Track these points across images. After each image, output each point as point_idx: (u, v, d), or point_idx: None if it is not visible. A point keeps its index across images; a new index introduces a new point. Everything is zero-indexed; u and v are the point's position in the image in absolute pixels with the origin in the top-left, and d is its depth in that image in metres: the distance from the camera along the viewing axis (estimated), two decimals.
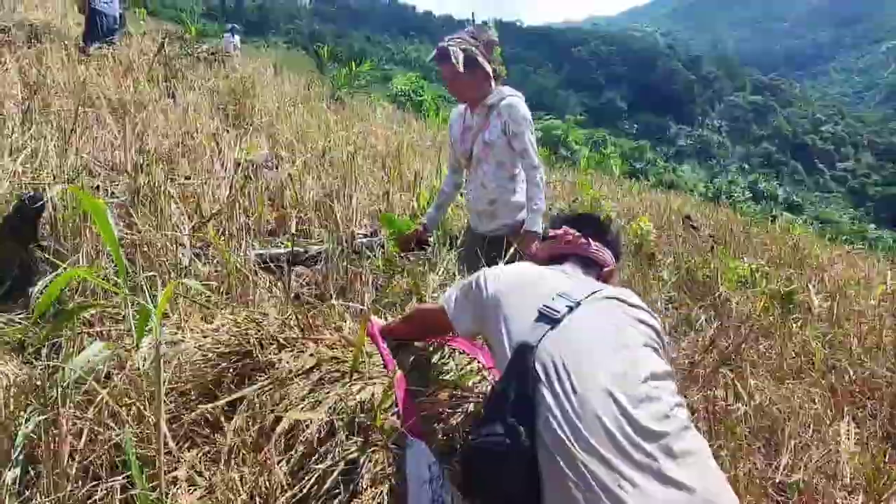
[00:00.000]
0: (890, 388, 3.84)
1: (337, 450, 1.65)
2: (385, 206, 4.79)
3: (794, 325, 4.33)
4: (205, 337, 2.10)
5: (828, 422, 3.27)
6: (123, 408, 1.80)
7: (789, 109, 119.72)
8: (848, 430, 3.21)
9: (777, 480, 2.84)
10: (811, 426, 3.17)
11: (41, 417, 1.65)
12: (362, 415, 1.73)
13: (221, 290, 2.64)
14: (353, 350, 1.89)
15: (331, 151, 5.42)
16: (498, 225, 3.42)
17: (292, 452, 1.68)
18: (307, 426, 1.71)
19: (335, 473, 1.60)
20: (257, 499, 1.60)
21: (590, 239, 1.96)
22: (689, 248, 6.26)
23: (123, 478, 1.57)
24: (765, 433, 3.07)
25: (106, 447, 1.72)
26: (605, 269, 1.95)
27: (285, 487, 1.60)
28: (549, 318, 1.53)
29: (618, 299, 1.68)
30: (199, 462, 1.76)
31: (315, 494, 1.59)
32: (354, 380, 1.86)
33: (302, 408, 1.77)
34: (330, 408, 1.75)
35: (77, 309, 1.77)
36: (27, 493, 1.67)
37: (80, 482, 1.66)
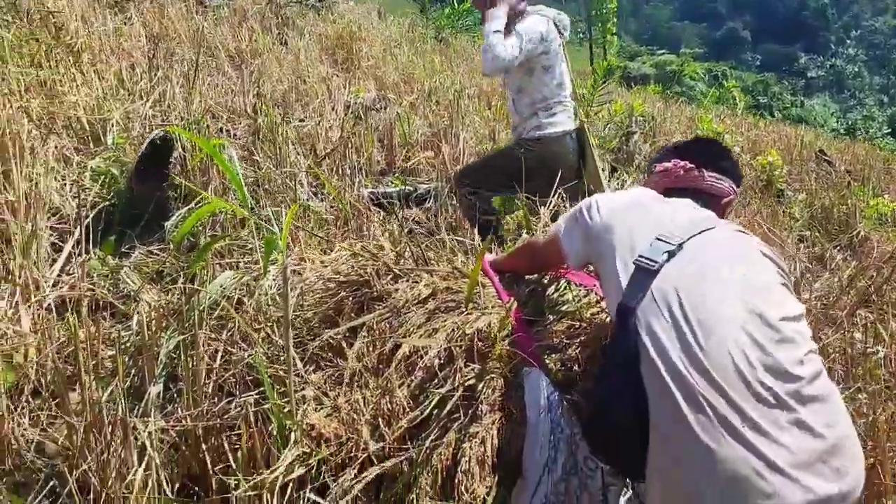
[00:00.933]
0: None
1: (456, 376, 1.66)
2: (492, 144, 4.73)
3: None
4: (324, 267, 2.16)
5: None
6: (254, 331, 1.91)
7: None
8: None
9: None
10: None
11: (180, 338, 1.76)
12: (479, 343, 1.72)
13: (337, 225, 2.72)
14: (468, 281, 1.88)
15: (437, 92, 5.38)
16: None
17: (412, 377, 1.72)
18: (425, 352, 1.74)
19: (455, 398, 1.62)
20: (380, 420, 1.65)
21: (703, 169, 1.77)
22: (823, 184, 5.77)
23: (256, 394, 1.67)
24: None
25: (239, 367, 1.83)
26: (725, 200, 1.79)
27: (406, 410, 1.64)
28: (666, 245, 1.44)
29: (743, 232, 1.56)
30: (325, 384, 1.83)
31: (436, 417, 1.62)
32: (470, 310, 1.86)
33: (420, 335, 1.80)
34: (447, 336, 1.77)
35: (212, 242, 1.87)
36: (169, 407, 1.82)
37: (216, 398, 1.79)
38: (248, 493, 1.40)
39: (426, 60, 6.79)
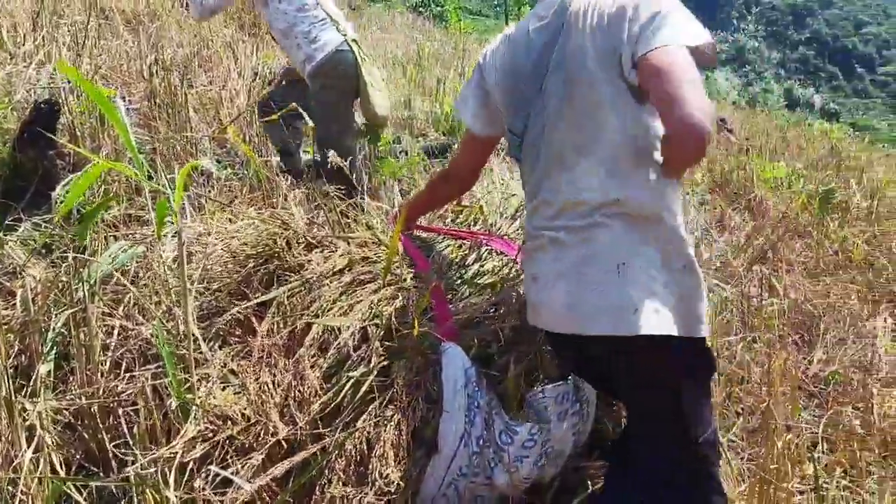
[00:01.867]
0: None
1: (372, 357, 1.62)
2: (407, 112, 4.67)
3: (833, 224, 4.20)
4: (231, 238, 2.05)
5: (865, 317, 3.20)
6: (154, 304, 1.81)
7: (829, 11, 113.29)
8: (885, 326, 3.15)
9: (811, 373, 2.81)
10: (847, 322, 3.11)
11: (69, 312, 1.65)
12: (396, 321, 1.68)
13: (243, 193, 2.61)
14: (387, 253, 1.82)
15: None
16: None
17: (325, 357, 1.66)
18: (339, 332, 1.68)
19: (369, 381, 1.58)
20: (291, 402, 1.59)
21: None
22: (724, 151, 6.05)
23: (155, 367, 1.58)
24: (800, 329, 3.02)
25: (136, 342, 1.73)
26: None
27: (319, 393, 1.59)
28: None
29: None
30: (232, 361, 1.75)
31: (350, 400, 1.57)
32: (388, 283, 1.81)
33: (334, 312, 1.73)
34: (363, 315, 1.71)
35: (101, 204, 1.73)
36: (62, 386, 1.70)
37: (112, 376, 1.69)
38: (146, 470, 1.32)
39: None
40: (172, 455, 1.35)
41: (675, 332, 1.27)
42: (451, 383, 1.50)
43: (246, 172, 2.57)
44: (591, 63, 1.33)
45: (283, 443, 1.51)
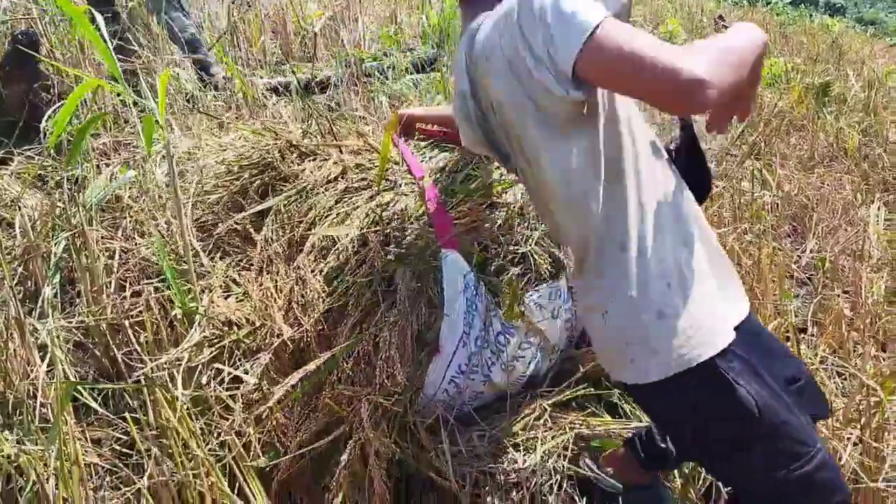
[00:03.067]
0: None
1: (374, 261, 1.62)
2: (395, 27, 4.56)
3: (829, 117, 4.16)
4: (223, 150, 2.05)
5: (857, 206, 3.23)
6: (150, 222, 1.85)
7: None
8: (878, 214, 3.17)
9: (804, 262, 2.86)
10: (840, 211, 3.13)
11: (65, 235, 1.69)
12: (394, 227, 1.68)
13: (235, 116, 2.60)
14: (379, 158, 1.78)
15: None
16: None
17: (325, 262, 1.67)
18: (339, 239, 1.69)
19: (373, 285, 1.59)
20: (295, 305, 1.63)
21: None
22: None
23: (158, 281, 1.63)
24: (793, 220, 3.05)
25: (137, 260, 1.78)
26: None
27: (321, 295, 1.61)
28: None
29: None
30: (232, 270, 1.80)
31: (356, 303, 1.59)
32: (382, 190, 1.78)
33: (332, 220, 1.73)
34: (360, 222, 1.70)
35: (90, 121, 1.74)
36: (69, 308, 1.76)
37: (117, 295, 1.75)
38: (155, 374, 1.40)
39: None
40: (179, 359, 1.42)
41: (631, 381, 1.18)
42: (451, 288, 1.54)
43: (231, 93, 2.55)
44: None
45: (289, 343, 1.56)
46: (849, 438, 1.74)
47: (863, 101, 4.75)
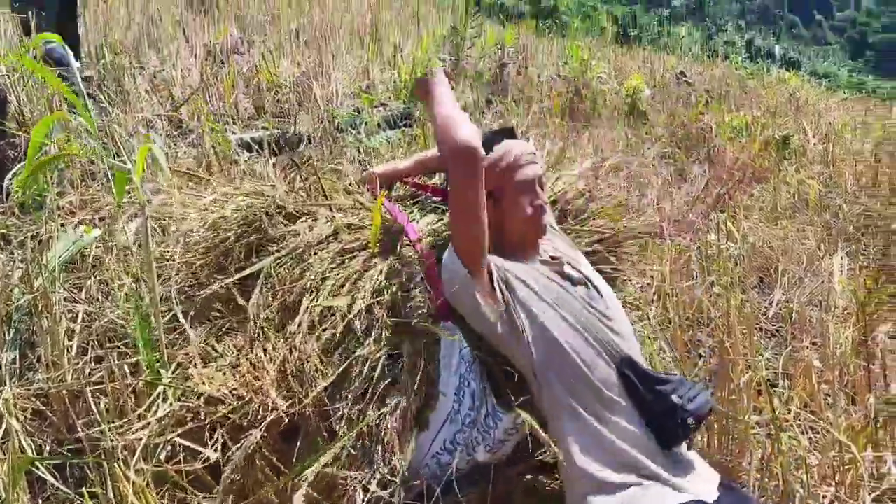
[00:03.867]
0: (884, 222, 3.87)
1: (382, 333, 1.54)
2: (367, 82, 4.63)
3: (790, 169, 4.30)
4: (204, 210, 1.91)
5: (821, 256, 3.31)
6: (126, 275, 1.80)
7: None
8: (841, 263, 3.25)
9: (771, 314, 2.91)
10: (804, 262, 3.21)
11: (29, 296, 1.64)
12: (393, 292, 1.59)
13: (203, 170, 2.58)
14: (373, 221, 1.70)
15: (305, 31, 5.17)
16: None
17: (322, 330, 1.56)
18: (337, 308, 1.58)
19: (379, 361, 1.51)
20: (291, 378, 1.51)
21: None
22: (684, 104, 6.11)
23: (122, 344, 1.59)
24: (758, 272, 3.11)
25: (103, 324, 1.73)
26: None
27: (320, 368, 1.51)
28: None
29: None
30: (215, 338, 1.68)
31: (356, 378, 1.49)
32: (378, 251, 1.71)
33: (330, 287, 1.61)
34: (364, 293, 1.60)
35: (56, 157, 1.70)
36: (29, 374, 1.70)
37: (79, 361, 1.69)
38: (113, 444, 1.34)
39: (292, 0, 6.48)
40: (142, 432, 1.36)
41: None
42: (446, 363, 1.52)
43: (202, 149, 2.54)
44: None
45: (284, 418, 1.45)
46: (825, 497, 1.74)
47: (821, 154, 4.93)
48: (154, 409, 1.45)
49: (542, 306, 1.51)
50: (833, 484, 1.77)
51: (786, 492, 1.69)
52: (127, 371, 1.59)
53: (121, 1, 5.07)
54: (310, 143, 3.45)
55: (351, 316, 1.55)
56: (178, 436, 1.44)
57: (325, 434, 1.47)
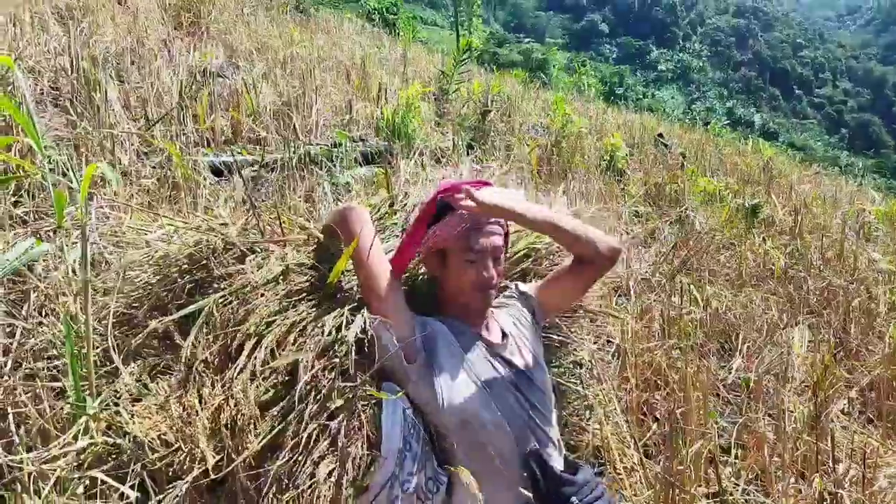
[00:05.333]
0: (846, 297, 3.91)
1: (323, 391, 1.48)
2: (349, 117, 4.64)
3: (757, 238, 4.36)
4: (147, 247, 1.81)
5: (782, 327, 3.33)
6: (58, 306, 1.73)
7: (770, 34, 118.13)
8: (801, 336, 3.27)
9: (730, 381, 2.90)
10: (766, 331, 3.23)
11: None
12: (340, 349, 1.53)
13: (169, 195, 2.54)
14: (334, 267, 1.65)
15: (291, 61, 5.19)
16: None
17: (265, 380, 1.50)
18: (282, 355, 1.52)
19: (321, 417, 1.45)
20: (223, 428, 1.43)
21: None
22: (659, 165, 6.22)
23: (53, 367, 1.51)
24: (720, 337, 3.12)
25: (40, 342, 1.66)
26: None
27: (255, 420, 1.44)
28: None
29: None
30: (149, 376, 1.58)
31: (291, 436, 1.43)
32: (331, 292, 1.67)
33: (274, 332, 1.54)
34: (306, 345, 1.53)
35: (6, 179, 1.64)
36: None
37: (10, 378, 1.61)
38: (31, 471, 1.26)
39: (283, 30, 6.53)
40: (59, 463, 1.29)
41: None
42: (389, 424, 1.48)
43: (170, 171, 2.50)
44: None
45: (211, 473, 1.37)
46: None
47: (790, 225, 5.02)
48: (76, 440, 1.38)
49: (466, 381, 1.54)
50: None
51: None
52: (51, 397, 1.51)
53: (109, 14, 5.05)
54: (283, 172, 3.42)
55: (295, 365, 1.49)
56: (101, 471, 1.36)
57: (252, 494, 1.40)
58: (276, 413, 1.47)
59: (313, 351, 1.52)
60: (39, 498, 1.25)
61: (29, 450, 1.36)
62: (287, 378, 1.51)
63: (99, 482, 1.37)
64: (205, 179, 2.72)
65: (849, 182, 10.10)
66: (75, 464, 1.32)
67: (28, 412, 1.43)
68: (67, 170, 1.58)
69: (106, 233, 1.92)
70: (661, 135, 7.56)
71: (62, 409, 1.44)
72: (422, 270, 1.85)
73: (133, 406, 1.50)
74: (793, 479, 2.18)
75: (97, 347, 1.52)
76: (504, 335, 1.69)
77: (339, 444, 1.44)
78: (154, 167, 2.61)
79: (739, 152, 8.90)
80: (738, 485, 2.09)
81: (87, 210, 1.48)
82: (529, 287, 1.84)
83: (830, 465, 2.17)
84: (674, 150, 7.07)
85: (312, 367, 1.49)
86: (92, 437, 1.35)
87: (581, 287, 1.88)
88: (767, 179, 7.08)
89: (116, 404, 1.47)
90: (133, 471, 1.38)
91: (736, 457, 2.41)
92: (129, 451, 1.40)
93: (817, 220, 5.65)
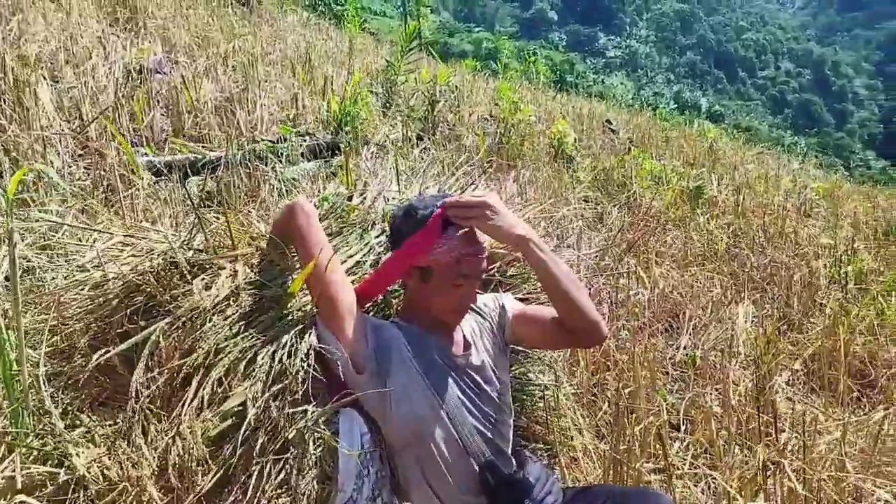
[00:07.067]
0: (788, 272, 4.05)
1: (273, 425, 1.43)
2: (295, 111, 4.57)
3: (702, 218, 4.47)
4: (81, 270, 1.71)
5: (727, 304, 3.43)
6: None
7: (714, 18, 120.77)
8: (745, 312, 3.37)
9: (678, 359, 2.97)
10: (711, 308, 3.31)
11: None
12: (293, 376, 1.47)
13: (105, 198, 2.46)
14: (293, 283, 1.59)
15: (233, 55, 5.07)
16: None
17: (214, 412, 1.43)
18: (231, 384, 1.45)
19: (272, 452, 1.40)
20: (171, 470, 1.37)
21: None
22: (607, 150, 6.31)
23: None
24: (667, 316, 3.19)
25: None
26: None
27: (207, 461, 1.39)
28: None
29: None
30: (86, 408, 1.51)
31: (241, 472, 1.39)
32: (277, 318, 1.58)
33: (225, 361, 1.48)
34: (256, 375, 1.47)
35: None
36: None
37: None
38: None
39: (224, 23, 6.37)
40: None
41: None
42: (345, 455, 1.44)
43: (103, 172, 2.42)
44: None
45: None
46: None
47: (732, 205, 5.16)
48: (9, 459, 1.32)
49: (417, 389, 1.51)
50: None
51: None
52: None
53: (40, 12, 4.85)
54: (227, 170, 3.35)
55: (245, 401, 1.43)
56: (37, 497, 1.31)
57: None
58: (225, 451, 1.41)
59: (262, 381, 1.46)
60: None
61: None
62: (238, 408, 1.44)
63: None
64: (142, 180, 2.64)
65: (791, 161, 10.42)
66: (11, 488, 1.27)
67: None
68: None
69: (34, 244, 1.84)
70: (608, 121, 7.67)
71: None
72: None
73: (72, 434, 1.42)
74: (738, 451, 2.25)
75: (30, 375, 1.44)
76: (467, 344, 1.65)
77: (292, 481, 1.40)
78: (88, 168, 2.52)
79: (685, 135, 9.09)
80: (685, 459, 2.15)
81: (13, 215, 1.41)
82: (511, 306, 1.76)
83: (774, 435, 2.25)
84: (621, 135, 7.18)
85: (263, 395, 1.44)
86: (26, 460, 1.30)
87: (550, 346, 1.92)
88: (712, 161, 7.25)
89: (54, 434, 1.41)
90: (74, 500, 1.33)
91: (685, 432, 2.48)
92: (70, 481, 1.35)
93: (760, 198, 5.83)
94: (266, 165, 3.56)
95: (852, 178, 16.13)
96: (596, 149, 6.18)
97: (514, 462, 1.59)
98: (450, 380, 1.56)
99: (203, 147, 3.52)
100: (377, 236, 1.91)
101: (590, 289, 2.73)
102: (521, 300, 1.91)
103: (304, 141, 4.11)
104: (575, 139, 5.79)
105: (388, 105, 5.75)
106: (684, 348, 3.01)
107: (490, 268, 1.97)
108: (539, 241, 1.56)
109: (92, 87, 3.31)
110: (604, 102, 12.36)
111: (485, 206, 1.52)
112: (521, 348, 1.94)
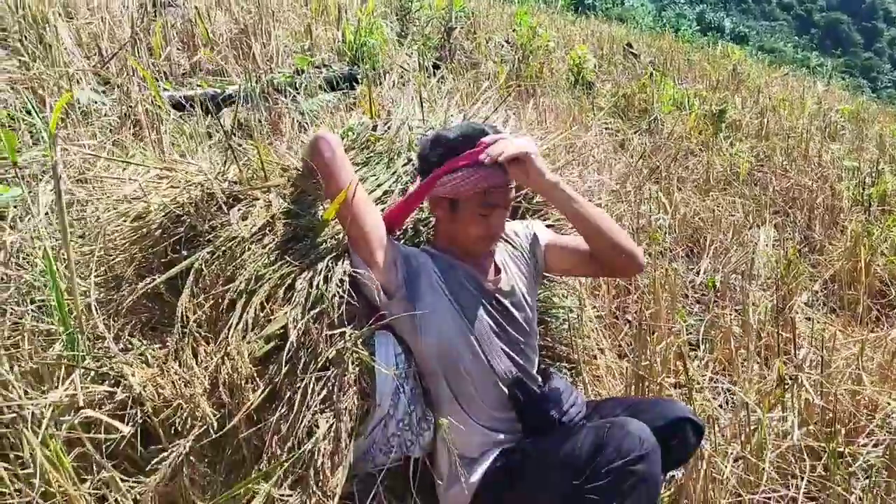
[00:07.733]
0: (811, 195, 4.02)
1: (313, 345, 1.50)
2: (309, 42, 4.51)
3: (724, 143, 4.42)
4: (118, 202, 1.75)
5: (748, 228, 3.44)
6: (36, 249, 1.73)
7: None
8: (767, 235, 3.38)
9: (699, 282, 3.02)
10: (732, 233, 3.33)
11: None
12: (332, 301, 1.52)
13: (126, 131, 2.49)
14: (321, 219, 1.64)
15: None
16: None
17: (258, 335, 1.50)
18: (273, 308, 1.53)
19: (316, 370, 1.47)
20: (221, 387, 1.46)
21: None
22: (629, 75, 6.18)
23: (36, 307, 1.54)
24: (688, 241, 3.22)
25: (21, 285, 1.67)
26: None
27: (254, 378, 1.47)
28: None
29: None
30: (137, 332, 1.59)
31: (287, 389, 1.47)
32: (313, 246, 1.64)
33: (266, 288, 1.54)
34: (302, 308, 1.52)
35: None
36: None
37: None
38: (28, 409, 1.31)
39: None
40: (56, 394, 1.34)
41: None
42: (380, 371, 1.51)
43: (129, 108, 2.45)
44: None
45: (212, 431, 1.42)
46: (732, 454, 1.84)
47: (756, 128, 5.07)
48: (70, 380, 1.42)
49: (446, 313, 1.57)
50: (740, 442, 1.88)
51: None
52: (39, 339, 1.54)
53: None
54: (246, 104, 3.36)
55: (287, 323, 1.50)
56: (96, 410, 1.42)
57: (255, 445, 1.46)
58: (271, 369, 1.50)
59: (302, 305, 1.53)
60: (37, 435, 1.29)
61: (25, 393, 1.40)
62: (280, 331, 1.52)
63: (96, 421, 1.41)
64: (167, 115, 2.67)
65: (817, 83, 10.12)
66: (68, 405, 1.37)
67: (20, 353, 1.47)
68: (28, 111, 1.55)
69: (69, 178, 1.90)
70: (629, 44, 7.46)
71: (54, 353, 1.47)
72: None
73: (126, 356, 1.52)
74: (757, 367, 2.32)
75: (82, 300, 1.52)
76: (498, 270, 1.70)
77: (334, 397, 1.48)
78: (114, 103, 2.55)
79: (709, 58, 8.83)
80: (704, 375, 2.22)
81: (55, 147, 1.45)
82: (543, 235, 1.81)
83: (793, 352, 2.31)
84: (643, 59, 7.01)
85: (303, 318, 1.51)
86: (91, 377, 1.39)
87: (589, 274, 1.97)
88: (735, 84, 7.08)
89: (109, 356, 1.50)
90: (132, 415, 1.43)
91: (704, 351, 2.54)
92: (127, 399, 1.44)
93: (785, 121, 5.72)
94: (286, 97, 3.56)
95: (879, 99, 15.66)
96: (617, 75, 6.05)
97: (540, 379, 1.66)
98: (479, 305, 1.62)
99: (222, 80, 3.51)
100: (403, 165, 1.94)
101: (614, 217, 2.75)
102: (550, 226, 1.95)
103: (321, 73, 4.08)
104: (595, 65, 5.66)
105: (403, 34, 5.64)
106: (705, 272, 3.05)
107: (517, 196, 1.99)
108: (567, 187, 1.61)
109: (109, 22, 3.29)
110: (624, 25, 11.98)
111: (525, 156, 1.55)
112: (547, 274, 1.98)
